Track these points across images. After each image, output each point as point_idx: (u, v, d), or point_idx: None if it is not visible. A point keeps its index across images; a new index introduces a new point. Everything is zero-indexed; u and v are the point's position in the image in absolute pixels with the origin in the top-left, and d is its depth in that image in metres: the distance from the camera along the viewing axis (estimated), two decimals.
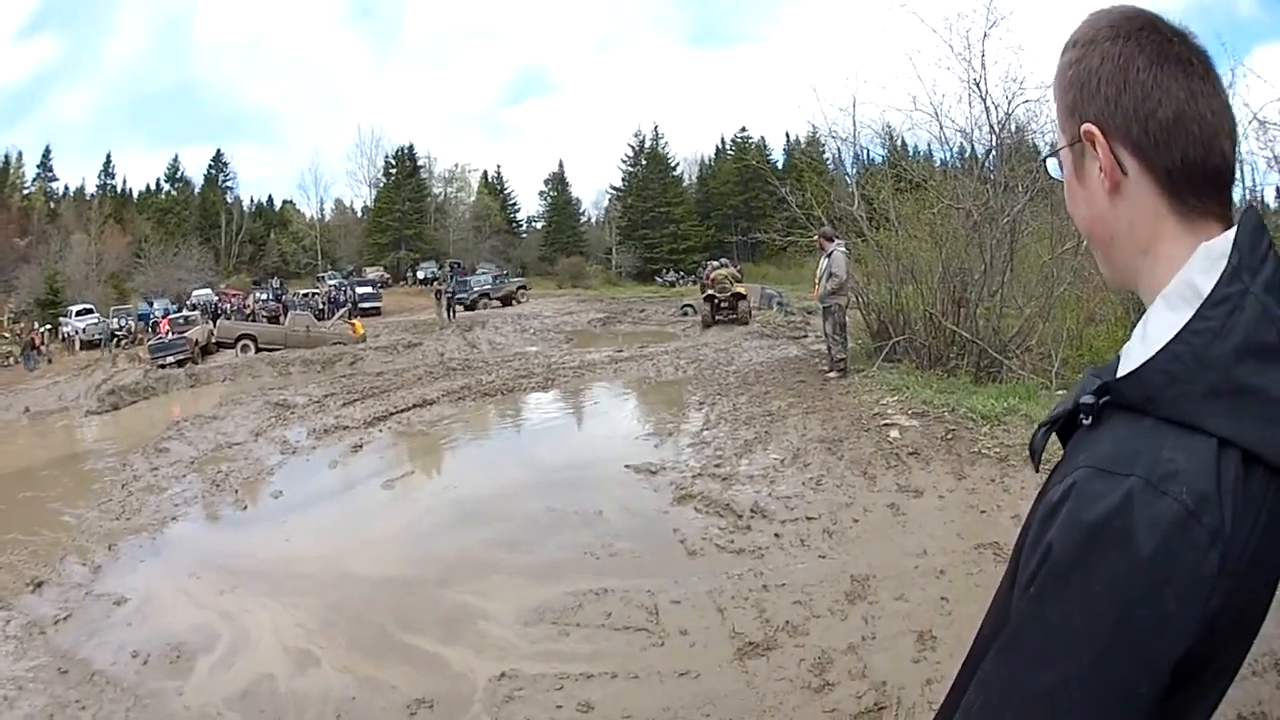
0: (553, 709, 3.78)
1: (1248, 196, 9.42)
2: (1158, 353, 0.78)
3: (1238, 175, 8.92)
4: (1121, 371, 0.81)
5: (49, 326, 32.94)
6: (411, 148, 61.55)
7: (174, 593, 5.68)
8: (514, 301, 41.06)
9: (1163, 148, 0.81)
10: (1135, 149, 0.82)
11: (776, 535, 5.69)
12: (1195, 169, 0.81)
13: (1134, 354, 0.81)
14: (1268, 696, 3.25)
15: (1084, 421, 0.84)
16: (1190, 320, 0.77)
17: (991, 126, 10.88)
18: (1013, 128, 10.97)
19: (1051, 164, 0.94)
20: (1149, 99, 0.81)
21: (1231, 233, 0.79)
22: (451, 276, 45.54)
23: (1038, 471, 0.93)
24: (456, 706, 3.89)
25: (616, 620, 4.64)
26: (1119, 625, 0.72)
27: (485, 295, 40.52)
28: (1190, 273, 0.80)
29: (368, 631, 4.79)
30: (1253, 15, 51.19)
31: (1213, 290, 0.77)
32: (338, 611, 5.12)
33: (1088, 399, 0.83)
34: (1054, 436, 0.92)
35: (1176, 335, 0.77)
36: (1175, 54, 0.82)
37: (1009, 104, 10.63)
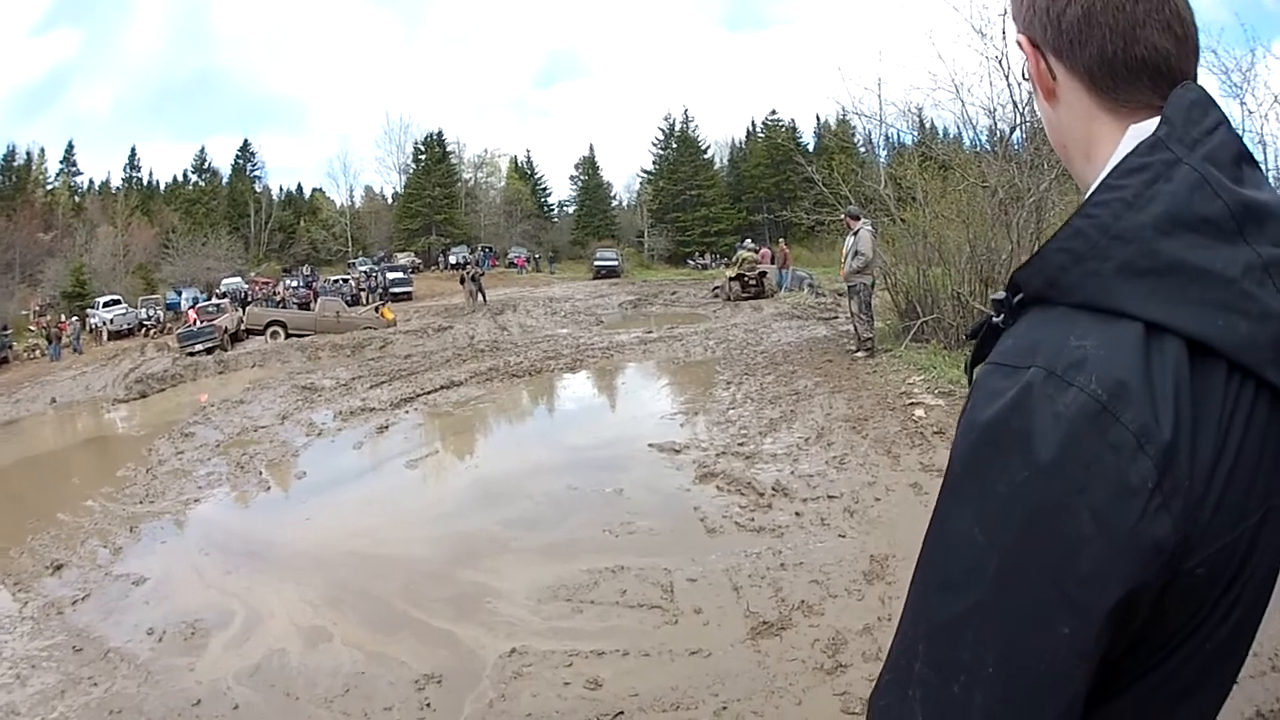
0: (560, 685, 3.73)
1: (1271, 177, 9.21)
2: (1059, 230, 0.68)
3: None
4: None
5: (76, 318, 33.09)
6: (440, 133, 61.24)
7: (192, 572, 5.74)
8: None
9: (1078, 46, 0.73)
10: (1055, 52, 0.75)
11: (797, 514, 5.60)
12: (1117, 62, 0.72)
13: None
14: None
15: (995, 320, 0.75)
16: (1094, 191, 0.68)
17: (1015, 103, 10.51)
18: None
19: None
20: None
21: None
22: (482, 261, 45.78)
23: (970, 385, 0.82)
24: (465, 681, 3.86)
25: (631, 598, 4.58)
26: (1025, 544, 0.61)
27: None
28: (1116, 155, 0.71)
29: (380, 609, 4.79)
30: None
31: (1124, 159, 0.68)
32: (352, 590, 5.12)
33: (999, 294, 0.74)
34: None
35: (1079, 209, 0.67)
36: None
37: None
